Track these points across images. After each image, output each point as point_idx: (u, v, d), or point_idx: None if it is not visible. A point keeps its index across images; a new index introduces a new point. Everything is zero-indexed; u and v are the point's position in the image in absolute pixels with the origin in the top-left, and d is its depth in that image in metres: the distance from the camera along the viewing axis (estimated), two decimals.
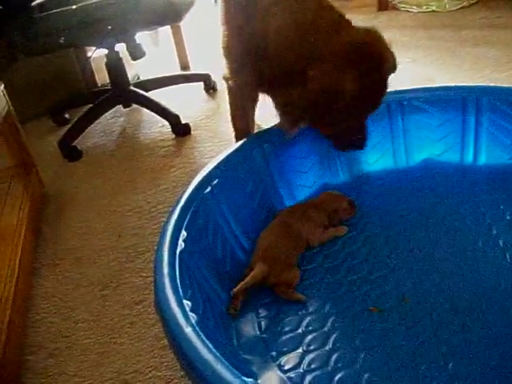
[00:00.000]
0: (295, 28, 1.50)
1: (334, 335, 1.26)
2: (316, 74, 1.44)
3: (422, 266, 1.42)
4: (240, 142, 1.69)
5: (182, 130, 2.47)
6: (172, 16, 2.23)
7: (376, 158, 1.88)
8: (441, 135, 1.86)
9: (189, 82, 2.93)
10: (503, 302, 1.26)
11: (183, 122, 2.49)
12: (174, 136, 2.50)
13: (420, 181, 1.80)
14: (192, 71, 3.26)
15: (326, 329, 1.28)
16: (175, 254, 1.24)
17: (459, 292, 1.31)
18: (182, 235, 1.31)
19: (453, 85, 1.87)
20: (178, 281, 1.16)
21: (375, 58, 1.46)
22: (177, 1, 2.21)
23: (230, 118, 1.90)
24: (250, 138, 1.72)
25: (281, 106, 1.66)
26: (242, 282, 1.33)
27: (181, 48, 3.30)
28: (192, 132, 2.50)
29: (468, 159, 1.84)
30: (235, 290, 1.32)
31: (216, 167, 1.56)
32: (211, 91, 2.91)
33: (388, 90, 1.84)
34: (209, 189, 1.49)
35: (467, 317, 1.24)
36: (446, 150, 1.86)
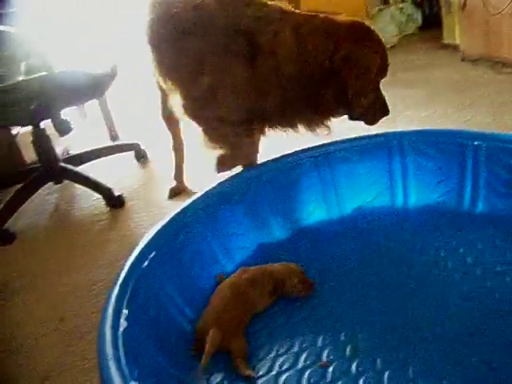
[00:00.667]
0: (297, 40, 1.62)
1: None
2: (345, 55, 1.58)
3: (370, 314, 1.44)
4: (176, 211, 1.69)
5: (115, 203, 2.46)
6: (95, 91, 2.25)
7: (309, 212, 1.91)
8: (369, 182, 1.92)
9: (119, 152, 2.93)
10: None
11: (116, 193, 2.47)
12: (108, 209, 2.47)
13: (355, 229, 1.84)
14: (121, 141, 3.26)
15: None
16: (118, 334, 1.22)
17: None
18: (123, 314, 1.28)
19: (374, 133, 1.93)
20: (123, 361, 1.14)
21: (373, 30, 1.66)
22: (98, 75, 2.23)
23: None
24: (185, 206, 1.72)
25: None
26: (206, 354, 1.30)
27: (108, 119, 3.31)
28: (127, 203, 2.48)
29: (398, 202, 1.89)
30: (203, 363, 1.29)
31: (152, 239, 1.55)
32: (142, 160, 2.91)
33: (313, 145, 1.91)
34: (146, 262, 1.47)
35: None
36: (377, 195, 1.91)
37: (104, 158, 2.86)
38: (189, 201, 1.73)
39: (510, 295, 1.42)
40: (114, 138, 3.32)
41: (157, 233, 1.58)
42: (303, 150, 1.91)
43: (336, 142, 1.93)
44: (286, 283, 1.53)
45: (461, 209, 1.80)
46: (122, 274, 1.40)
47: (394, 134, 1.92)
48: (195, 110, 1.79)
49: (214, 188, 1.78)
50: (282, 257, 1.69)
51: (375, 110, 1.75)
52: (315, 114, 1.74)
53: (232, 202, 1.78)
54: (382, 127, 1.85)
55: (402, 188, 1.90)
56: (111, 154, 2.90)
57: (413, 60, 3.59)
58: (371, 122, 1.78)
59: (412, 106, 2.82)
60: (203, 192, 1.76)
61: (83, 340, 1.67)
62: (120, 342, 1.19)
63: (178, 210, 1.69)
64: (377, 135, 1.94)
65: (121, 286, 1.36)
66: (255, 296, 1.50)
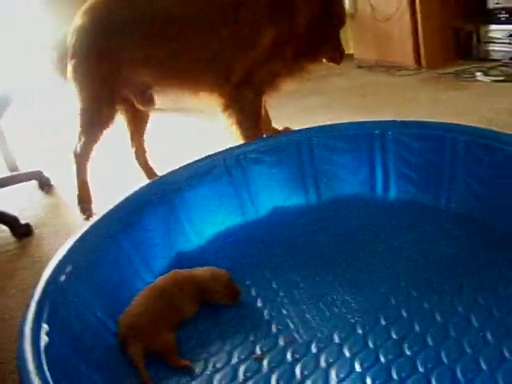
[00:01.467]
0: None
1: None
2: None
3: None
4: (91, 223, 1.63)
5: (22, 231, 2.34)
6: None
7: (223, 217, 1.89)
8: (281, 182, 1.93)
9: (21, 181, 2.80)
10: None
11: (22, 222, 2.36)
12: (15, 239, 2.35)
13: (270, 230, 1.84)
14: (22, 171, 3.11)
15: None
16: (40, 349, 1.15)
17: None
18: (43, 328, 1.22)
19: (285, 132, 1.96)
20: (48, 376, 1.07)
21: None
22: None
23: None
24: (100, 217, 1.66)
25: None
26: (140, 369, 1.26)
27: (5, 149, 3.15)
28: (35, 231, 2.37)
29: (312, 199, 1.92)
30: (144, 379, 1.24)
31: (68, 253, 1.48)
32: (46, 187, 2.80)
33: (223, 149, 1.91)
34: (63, 277, 1.41)
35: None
36: (290, 194, 1.92)
37: (5, 189, 2.72)
38: (103, 212, 1.67)
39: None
40: (12, 168, 3.16)
41: (72, 246, 1.51)
42: (215, 154, 1.90)
43: (246, 144, 1.94)
44: (211, 290, 1.49)
45: (375, 197, 1.84)
46: (39, 289, 1.33)
47: (303, 132, 1.96)
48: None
49: (128, 198, 1.73)
50: (202, 264, 1.65)
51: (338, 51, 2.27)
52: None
53: (147, 210, 1.74)
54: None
55: (313, 184, 1.92)
56: (12, 185, 2.77)
57: (311, 71, 3.66)
58: (338, 61, 2.31)
59: (316, 113, 2.89)
60: (117, 203, 1.71)
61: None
62: (43, 357, 1.13)
63: (93, 221, 1.63)
64: (286, 135, 1.97)
65: (38, 302, 1.29)
66: (179, 299, 1.46)
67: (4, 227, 2.40)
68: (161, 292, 1.45)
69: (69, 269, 1.44)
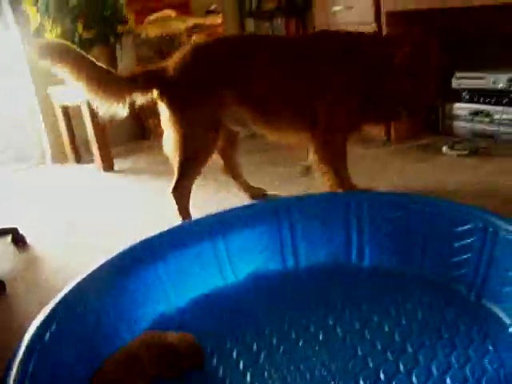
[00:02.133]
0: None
1: None
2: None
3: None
4: (73, 283, 1.65)
5: None
6: None
7: (205, 280, 1.93)
8: (260, 248, 1.99)
9: None
10: None
11: None
12: None
13: (249, 294, 1.88)
14: None
15: None
16: None
17: None
18: None
19: (263, 201, 2.03)
20: None
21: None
22: None
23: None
24: (83, 278, 1.69)
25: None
26: None
27: None
28: (8, 288, 2.36)
29: (290, 264, 1.98)
30: None
31: (52, 312, 1.50)
32: (20, 244, 2.80)
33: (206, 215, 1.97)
34: (47, 336, 1.43)
35: None
36: (269, 260, 1.98)
37: None
38: (87, 272, 1.70)
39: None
40: None
41: (56, 305, 1.54)
42: (198, 219, 1.96)
43: (228, 211, 2.00)
44: (178, 352, 1.52)
45: (350, 265, 1.92)
46: (22, 349, 1.35)
47: (282, 201, 2.04)
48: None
49: (112, 259, 1.77)
50: (181, 326, 1.70)
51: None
52: None
53: (130, 272, 1.77)
54: None
55: (292, 250, 1.99)
56: None
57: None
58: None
59: (292, 182, 2.97)
60: (101, 263, 1.74)
61: None
62: None
63: (77, 280, 1.65)
64: (266, 202, 2.04)
65: (21, 363, 1.31)
66: (148, 360, 1.48)
67: None
68: (128, 353, 1.48)
69: (52, 328, 1.46)
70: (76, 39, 3.62)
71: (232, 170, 2.81)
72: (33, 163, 4.20)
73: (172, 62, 2.40)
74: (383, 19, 3.22)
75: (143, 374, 1.46)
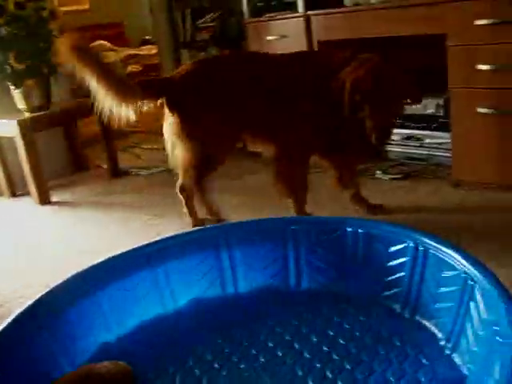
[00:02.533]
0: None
1: None
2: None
3: None
4: (14, 314, 1.62)
5: None
6: None
7: (144, 307, 1.92)
8: (200, 274, 2.00)
9: None
10: None
11: None
12: None
13: (190, 322, 1.89)
14: None
15: None
16: None
17: None
18: None
19: (201, 228, 2.06)
20: None
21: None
22: None
23: None
24: (25, 309, 1.66)
25: None
26: None
27: None
28: None
29: (229, 289, 2.00)
30: None
31: None
32: None
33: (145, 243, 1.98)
34: None
35: None
36: (209, 286, 2.00)
37: None
38: (27, 304, 1.68)
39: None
40: None
41: None
42: (137, 248, 1.96)
43: (166, 239, 2.01)
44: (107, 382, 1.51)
45: (288, 288, 1.96)
46: None
47: (220, 227, 2.06)
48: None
49: (52, 290, 1.75)
50: (121, 355, 1.68)
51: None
52: None
53: (70, 303, 1.76)
54: None
55: (231, 276, 2.01)
56: None
57: (224, 169, 3.84)
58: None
59: (236, 211, 2.99)
60: (41, 295, 1.72)
61: None
62: None
63: (16, 313, 1.63)
64: (204, 229, 2.06)
65: None
66: None
67: None
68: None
69: None
70: (8, 71, 3.58)
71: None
72: None
73: (178, 74, 2.55)
74: (316, 47, 3.34)
75: None
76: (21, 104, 3.75)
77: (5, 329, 1.57)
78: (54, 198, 3.75)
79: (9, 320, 1.60)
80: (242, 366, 1.60)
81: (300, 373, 1.53)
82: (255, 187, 3.43)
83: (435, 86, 3.06)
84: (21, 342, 1.58)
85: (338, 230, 1.95)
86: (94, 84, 2.35)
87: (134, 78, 7.40)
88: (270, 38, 3.56)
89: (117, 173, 4.08)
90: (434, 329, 1.63)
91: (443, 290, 1.64)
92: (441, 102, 3.16)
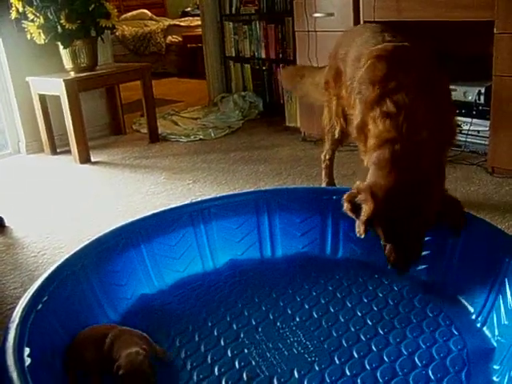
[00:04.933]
0: None
1: None
2: None
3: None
4: (62, 259, 1.72)
5: None
6: None
7: (185, 266, 2.01)
8: (240, 236, 2.08)
9: None
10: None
11: None
12: None
13: (228, 280, 1.97)
14: None
15: None
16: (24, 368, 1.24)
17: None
18: (25, 351, 1.31)
19: (245, 191, 2.13)
20: None
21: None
22: None
23: None
24: (71, 256, 1.75)
25: None
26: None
27: None
28: None
29: (267, 254, 2.07)
30: None
31: (44, 285, 1.57)
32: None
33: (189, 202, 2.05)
34: (40, 306, 1.49)
35: None
36: (247, 249, 2.07)
37: None
38: (76, 249, 1.77)
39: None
40: None
41: (47, 278, 1.60)
42: (182, 206, 2.04)
43: (210, 199, 2.09)
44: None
45: (325, 256, 2.02)
46: (18, 314, 1.41)
47: (262, 193, 2.13)
48: None
49: (100, 238, 1.84)
50: (161, 307, 1.81)
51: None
52: None
53: (114, 253, 1.84)
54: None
55: (269, 241, 2.08)
56: None
57: (258, 141, 3.91)
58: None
59: (264, 179, 3.08)
60: (90, 241, 1.81)
61: None
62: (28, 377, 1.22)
63: (66, 256, 1.72)
64: (246, 193, 2.13)
65: (18, 326, 1.37)
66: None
67: None
68: (98, 334, 1.54)
69: (45, 298, 1.53)
70: (59, 30, 3.66)
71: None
72: (7, 153, 4.20)
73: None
74: None
75: (104, 358, 1.49)
76: (68, 64, 3.84)
77: (55, 270, 1.66)
78: (93, 158, 3.84)
79: (58, 263, 1.70)
80: (279, 324, 1.68)
81: (334, 334, 1.60)
82: (287, 158, 3.51)
83: (477, 73, 3.07)
84: (71, 283, 1.68)
85: None
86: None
87: (174, 48, 7.56)
88: (316, 15, 3.58)
89: (155, 138, 4.16)
90: (466, 303, 1.69)
91: (478, 265, 1.70)
92: (482, 89, 3.17)
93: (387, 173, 1.65)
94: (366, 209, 1.63)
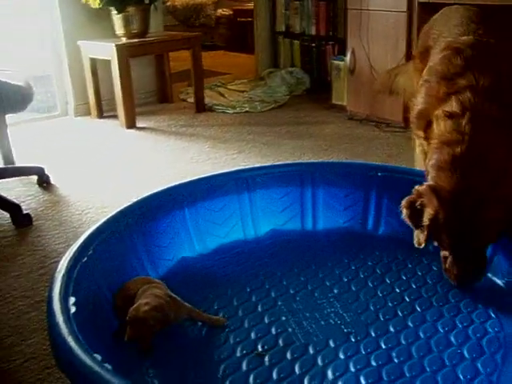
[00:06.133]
0: None
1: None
2: None
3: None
4: (108, 216, 1.76)
5: (23, 221, 2.44)
6: (20, 103, 2.27)
7: (227, 232, 2.03)
8: (282, 207, 2.09)
9: (21, 175, 2.90)
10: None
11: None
12: (14, 227, 2.44)
13: (269, 249, 1.98)
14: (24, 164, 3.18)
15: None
16: (70, 315, 1.28)
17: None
18: (70, 300, 1.35)
19: (290, 162, 2.13)
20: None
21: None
22: (25, 90, 2.26)
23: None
24: (116, 213, 1.79)
25: None
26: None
27: (5, 144, 3.21)
28: (34, 223, 2.47)
29: (308, 226, 2.08)
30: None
31: (89, 239, 1.61)
32: (45, 185, 2.90)
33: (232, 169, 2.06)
34: (85, 259, 1.54)
35: None
36: (289, 219, 2.09)
37: (3, 180, 2.81)
38: (122, 207, 1.81)
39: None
40: (9, 162, 3.20)
41: (92, 233, 1.64)
42: (227, 172, 2.06)
43: (256, 168, 2.10)
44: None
45: (366, 231, 2.02)
46: (65, 265, 1.46)
47: (307, 165, 2.13)
48: None
49: (145, 199, 1.87)
50: (201, 270, 1.84)
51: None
52: None
53: (157, 216, 1.88)
54: None
55: (311, 213, 2.09)
56: (12, 177, 2.87)
57: (303, 117, 3.91)
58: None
59: (308, 153, 3.09)
60: (135, 201, 1.85)
61: None
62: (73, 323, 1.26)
63: (111, 214, 1.76)
64: (291, 164, 2.14)
65: (64, 277, 1.42)
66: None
67: (4, 214, 2.49)
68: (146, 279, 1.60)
69: (90, 252, 1.57)
70: None
71: None
72: (55, 114, 4.28)
73: None
74: (416, 8, 3.30)
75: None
76: (119, 29, 3.88)
77: (101, 226, 1.70)
78: (139, 124, 3.89)
79: (103, 219, 1.74)
80: (316, 295, 1.69)
81: (372, 308, 1.61)
82: (332, 135, 3.50)
83: None
84: (115, 239, 1.72)
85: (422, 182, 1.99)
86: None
87: (224, 21, 7.54)
88: None
89: (202, 108, 4.19)
90: (504, 287, 1.68)
91: None
92: None
93: (450, 175, 1.54)
94: (429, 211, 1.53)
